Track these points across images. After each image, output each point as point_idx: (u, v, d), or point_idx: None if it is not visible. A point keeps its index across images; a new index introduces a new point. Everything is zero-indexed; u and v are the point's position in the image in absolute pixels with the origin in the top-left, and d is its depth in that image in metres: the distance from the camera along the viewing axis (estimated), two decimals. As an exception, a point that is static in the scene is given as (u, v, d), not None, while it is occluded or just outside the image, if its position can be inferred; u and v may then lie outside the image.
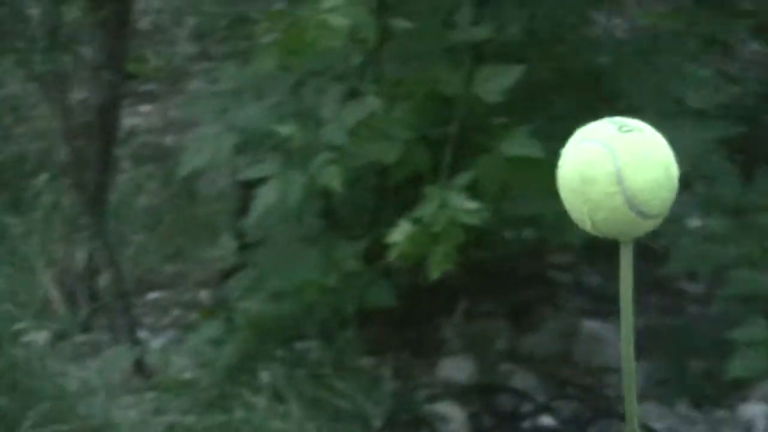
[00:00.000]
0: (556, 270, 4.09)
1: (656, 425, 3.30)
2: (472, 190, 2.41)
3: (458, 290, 3.77)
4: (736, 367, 2.39)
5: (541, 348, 3.69)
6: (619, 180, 0.72)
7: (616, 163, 0.72)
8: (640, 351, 2.80)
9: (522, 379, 3.50)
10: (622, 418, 2.60)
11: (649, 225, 0.75)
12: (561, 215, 2.17)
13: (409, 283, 3.41)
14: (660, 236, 3.23)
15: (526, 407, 3.33)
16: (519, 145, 2.38)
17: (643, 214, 0.74)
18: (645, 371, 3.52)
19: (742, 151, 3.35)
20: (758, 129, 3.42)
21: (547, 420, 3.28)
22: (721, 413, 3.34)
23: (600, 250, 4.06)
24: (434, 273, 2.48)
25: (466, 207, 2.34)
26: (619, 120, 0.75)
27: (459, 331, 3.71)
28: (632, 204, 0.73)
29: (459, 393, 3.35)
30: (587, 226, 0.75)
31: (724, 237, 2.50)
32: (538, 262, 4.05)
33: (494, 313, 3.83)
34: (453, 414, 3.29)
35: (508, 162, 2.40)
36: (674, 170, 0.74)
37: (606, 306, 3.87)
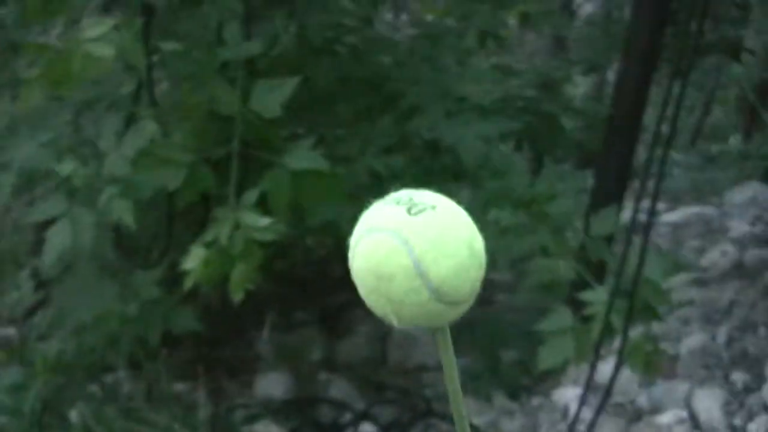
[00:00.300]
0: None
1: (476, 420, 3.32)
2: (263, 206, 2.36)
3: (267, 303, 3.73)
4: (546, 357, 2.41)
5: (356, 354, 3.68)
6: (420, 273, 0.64)
7: (412, 254, 0.63)
8: (454, 347, 2.77)
9: (339, 388, 3.47)
10: (441, 417, 2.60)
11: (462, 309, 0.66)
12: (357, 219, 2.13)
13: (216, 303, 3.35)
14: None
15: (346, 417, 3.30)
16: (302, 158, 2.35)
17: (452, 303, 0.65)
18: (460, 366, 3.54)
19: (528, 142, 3.40)
20: (540, 120, 3.49)
21: (367, 428, 3.26)
22: (537, 401, 3.39)
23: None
24: (236, 294, 2.42)
25: (259, 224, 2.29)
26: (406, 197, 0.66)
27: (272, 345, 3.67)
28: (439, 295, 0.64)
29: (277, 410, 3.30)
30: (394, 323, 0.66)
31: (518, 229, 2.52)
32: (346, 266, 4.03)
33: (307, 323, 3.80)
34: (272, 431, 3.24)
35: (294, 175, 2.36)
36: (478, 245, 0.66)
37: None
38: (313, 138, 2.44)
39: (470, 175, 2.68)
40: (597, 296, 2.35)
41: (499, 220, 2.49)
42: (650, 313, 2.41)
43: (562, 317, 2.39)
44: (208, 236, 2.41)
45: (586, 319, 2.35)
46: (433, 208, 0.65)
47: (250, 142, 2.42)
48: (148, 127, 2.46)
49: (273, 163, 2.41)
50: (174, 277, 2.82)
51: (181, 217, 2.97)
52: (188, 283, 2.44)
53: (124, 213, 2.48)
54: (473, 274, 0.64)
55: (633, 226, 2.51)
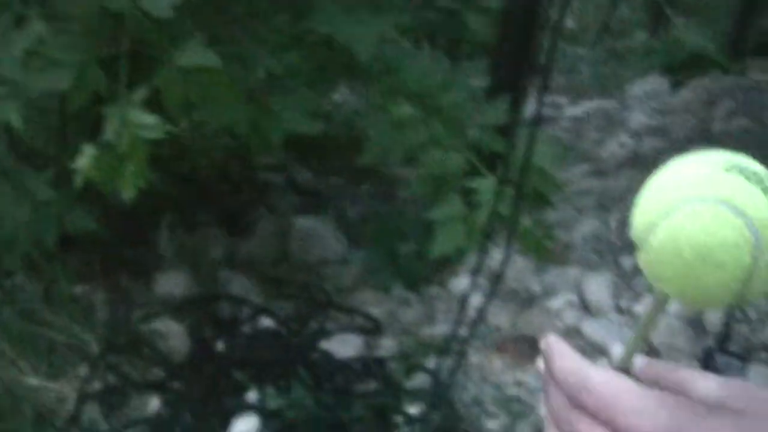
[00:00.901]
0: (266, 171, 4.10)
1: (374, 311, 3.39)
2: (155, 106, 2.35)
3: (167, 205, 3.72)
4: (438, 245, 2.47)
5: (257, 252, 3.71)
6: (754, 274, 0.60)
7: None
8: (355, 241, 2.84)
9: (240, 285, 3.51)
10: (340, 309, 2.64)
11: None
12: (255, 121, 2.15)
13: (114, 203, 3.35)
14: (353, 128, 3.28)
15: (245, 312, 3.34)
16: (193, 55, 2.34)
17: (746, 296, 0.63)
18: (360, 260, 3.60)
19: (428, 39, 3.42)
20: (442, 16, 3.50)
21: (266, 321, 3.31)
22: (434, 290, 3.47)
23: (308, 147, 4.10)
24: (127, 194, 2.42)
25: (146, 122, 2.28)
26: (747, 167, 0.61)
27: (172, 245, 3.68)
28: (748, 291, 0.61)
29: (175, 308, 3.33)
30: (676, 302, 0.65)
31: (411, 122, 2.55)
32: (247, 165, 4.04)
33: (207, 223, 3.81)
34: (171, 329, 3.26)
35: (186, 73, 2.35)
36: None
37: (316, 201, 3.91)
38: (205, 36, 2.43)
39: (364, 71, 2.69)
40: (485, 184, 2.40)
41: (393, 114, 2.52)
42: (540, 201, 2.48)
43: (452, 206, 2.44)
44: (104, 136, 2.40)
45: (476, 207, 2.40)
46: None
47: (141, 41, 2.40)
48: (36, 27, 2.42)
49: (164, 61, 2.40)
50: (69, 179, 2.81)
51: (75, 118, 2.94)
52: (78, 182, 2.43)
53: (12, 115, 2.45)
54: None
55: (534, 119, 2.55)
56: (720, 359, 1.99)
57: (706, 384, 0.68)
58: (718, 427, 0.64)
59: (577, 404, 0.69)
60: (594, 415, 0.68)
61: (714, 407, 0.66)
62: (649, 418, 0.64)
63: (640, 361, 0.75)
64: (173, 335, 3.28)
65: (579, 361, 0.72)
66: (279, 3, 2.78)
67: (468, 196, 2.49)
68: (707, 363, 2.00)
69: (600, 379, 0.68)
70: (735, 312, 2.91)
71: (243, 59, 2.60)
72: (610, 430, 0.67)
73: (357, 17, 2.72)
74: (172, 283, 3.49)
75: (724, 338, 2.08)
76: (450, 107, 2.58)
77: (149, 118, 2.28)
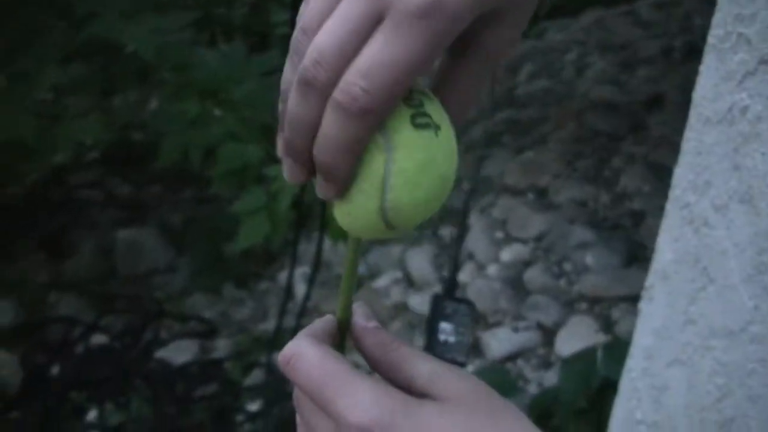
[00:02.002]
0: (84, 189, 4.03)
1: (207, 313, 3.37)
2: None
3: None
4: (242, 238, 2.47)
5: (84, 271, 3.65)
6: (384, 186, 0.60)
7: (388, 165, 0.59)
8: (180, 247, 2.79)
9: (69, 306, 3.45)
10: (174, 317, 2.60)
11: (397, 234, 0.64)
12: (43, 133, 2.09)
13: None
14: (149, 132, 3.24)
15: (77, 332, 3.28)
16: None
17: (394, 228, 0.63)
18: (187, 265, 3.58)
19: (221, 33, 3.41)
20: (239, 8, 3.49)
21: (99, 338, 3.26)
22: (264, 285, 3.46)
23: (124, 159, 4.05)
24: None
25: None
26: (420, 98, 0.61)
27: (-5, 276, 3.59)
28: (385, 215, 0.61)
29: (4, 338, 3.25)
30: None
31: (204, 118, 2.55)
32: (64, 186, 3.97)
33: (29, 249, 3.73)
34: (2, 360, 3.18)
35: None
36: (450, 183, 0.62)
37: (138, 213, 3.87)
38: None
39: (154, 74, 2.67)
40: (279, 171, 2.40)
41: (186, 113, 2.51)
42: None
43: (254, 197, 2.44)
44: None
45: (276, 195, 2.41)
46: (437, 129, 0.61)
47: None
48: None
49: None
50: None
51: None
52: None
53: None
54: (432, 209, 0.62)
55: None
56: (448, 305, 2.04)
57: (420, 367, 0.68)
58: (426, 418, 0.64)
59: (294, 380, 0.69)
60: (311, 398, 0.68)
61: (423, 396, 0.67)
62: (362, 410, 0.64)
63: (362, 321, 0.73)
64: (5, 365, 3.20)
65: (302, 337, 0.71)
66: (57, 16, 2.73)
67: (270, 185, 2.49)
68: (436, 310, 2.05)
69: (312, 360, 0.67)
70: (460, 260, 2.99)
71: (26, 76, 2.55)
72: (328, 415, 0.66)
73: (138, 20, 2.69)
74: (-2, 314, 3.41)
75: (450, 285, 2.14)
76: (243, 99, 2.58)
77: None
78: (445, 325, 2.07)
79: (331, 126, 0.59)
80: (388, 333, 0.72)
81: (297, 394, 0.70)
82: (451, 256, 2.80)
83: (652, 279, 1.50)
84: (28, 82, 2.56)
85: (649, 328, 1.61)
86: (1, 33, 2.60)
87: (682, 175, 1.30)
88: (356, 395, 0.64)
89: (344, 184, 0.62)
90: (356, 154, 0.60)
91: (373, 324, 0.73)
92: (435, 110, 0.61)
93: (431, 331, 2.03)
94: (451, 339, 2.05)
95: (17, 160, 3.24)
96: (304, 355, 0.67)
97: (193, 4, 2.87)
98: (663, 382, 1.52)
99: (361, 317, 0.74)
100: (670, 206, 1.36)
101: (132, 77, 2.75)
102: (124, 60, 2.83)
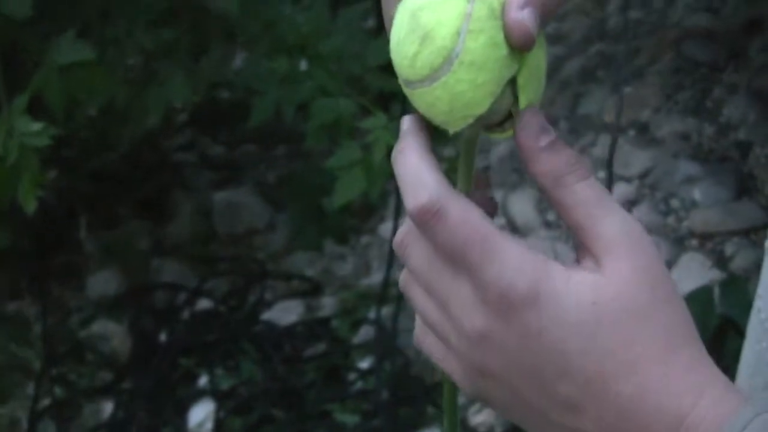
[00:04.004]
0: (178, 152, 4.04)
1: (310, 272, 3.36)
2: (37, 111, 2.29)
3: (83, 204, 3.67)
4: (339, 194, 2.44)
5: (184, 234, 3.66)
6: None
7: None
8: (278, 205, 2.80)
9: (171, 272, 3.46)
10: (275, 276, 2.62)
11: (420, 95, 0.60)
12: (133, 101, 2.09)
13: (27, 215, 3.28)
14: (237, 91, 3.22)
15: (181, 297, 3.30)
16: (68, 51, 2.28)
17: (404, 81, 0.61)
18: (286, 224, 3.56)
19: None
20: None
21: (204, 303, 3.27)
22: (365, 240, 3.44)
23: (215, 119, 4.04)
24: (29, 207, 2.35)
25: (32, 129, 2.22)
26: None
27: (98, 244, 3.62)
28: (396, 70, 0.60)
29: (111, 306, 3.28)
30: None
31: (295, 75, 2.53)
32: (156, 149, 3.98)
33: (128, 215, 3.75)
34: (111, 329, 3.22)
35: (62, 71, 2.29)
36: (426, 18, 0.58)
37: (233, 173, 3.87)
38: (75, 28, 2.36)
39: (244, 33, 2.65)
40: (376, 122, 2.37)
41: (276, 71, 2.49)
42: (442, 133, 2.44)
43: (349, 151, 2.41)
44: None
45: (371, 148, 2.37)
46: None
47: (11, 46, 2.34)
48: None
49: (40, 61, 2.33)
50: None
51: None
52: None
53: None
54: (410, 50, 0.58)
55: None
56: None
57: (604, 227, 0.60)
58: (573, 301, 0.58)
59: (429, 239, 0.61)
60: (451, 259, 0.61)
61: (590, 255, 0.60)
62: (512, 276, 0.58)
63: (533, 137, 0.61)
64: (114, 335, 3.24)
65: (429, 169, 0.62)
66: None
67: (364, 138, 2.46)
68: None
69: (458, 217, 0.60)
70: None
71: (116, 41, 2.53)
72: (474, 283, 0.60)
73: None
74: (104, 283, 3.43)
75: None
76: (331, 53, 2.55)
77: (35, 125, 2.21)
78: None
79: None
80: (570, 152, 0.62)
81: (411, 270, 0.64)
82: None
83: (781, 217, 1.43)
84: (119, 48, 2.55)
85: (778, 267, 1.54)
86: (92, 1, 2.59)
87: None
88: (506, 263, 0.59)
89: None
90: None
91: (545, 140, 0.61)
92: None
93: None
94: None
95: (111, 127, 3.25)
96: (449, 211, 0.60)
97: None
98: (796, 323, 1.46)
99: (529, 130, 0.61)
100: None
101: (219, 38, 2.73)
102: (210, 20, 2.80)
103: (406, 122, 0.64)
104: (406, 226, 0.63)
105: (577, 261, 0.61)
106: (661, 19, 3.89)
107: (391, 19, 0.61)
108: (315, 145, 2.76)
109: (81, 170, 3.72)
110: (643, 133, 3.20)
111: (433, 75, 0.58)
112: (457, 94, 0.58)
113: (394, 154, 0.63)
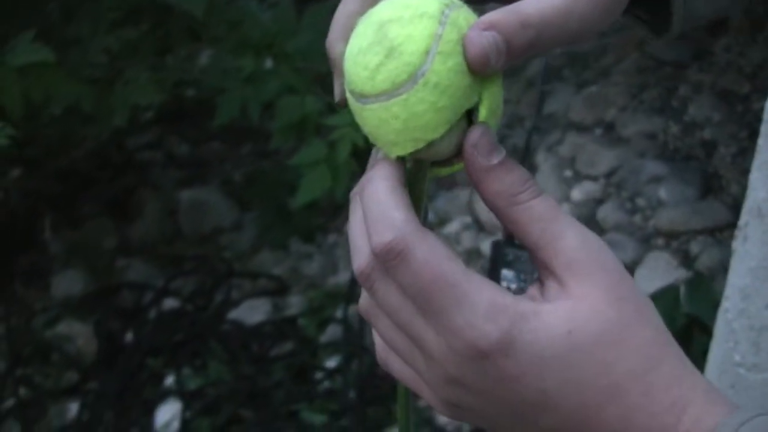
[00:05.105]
0: (143, 150, 4.02)
1: (277, 270, 3.35)
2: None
3: (48, 203, 3.64)
4: (303, 192, 2.43)
5: (149, 233, 3.64)
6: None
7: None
8: (244, 204, 2.77)
9: (138, 271, 3.45)
10: (242, 275, 2.60)
11: (372, 111, 0.58)
12: (99, 101, 2.07)
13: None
14: (203, 89, 3.21)
15: (148, 297, 3.28)
16: (25, 53, 2.26)
17: (355, 94, 0.59)
18: (253, 222, 3.55)
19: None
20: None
21: (170, 302, 3.25)
22: (332, 238, 3.43)
23: (180, 117, 4.02)
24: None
25: (-12, 130, 2.19)
26: None
27: (63, 243, 3.59)
28: (347, 83, 0.59)
29: (76, 306, 3.25)
30: None
31: (264, 74, 2.52)
32: (122, 148, 3.95)
33: (93, 214, 3.72)
34: (76, 330, 3.20)
35: (20, 72, 2.27)
36: (395, 32, 0.56)
37: (199, 171, 3.85)
38: (34, 29, 2.34)
39: (209, 31, 2.64)
40: (341, 119, 2.37)
41: (242, 69, 2.48)
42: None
43: (314, 149, 2.41)
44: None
45: (335, 145, 2.37)
46: None
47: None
48: None
49: (-4, 63, 2.31)
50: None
51: None
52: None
53: None
54: (372, 61, 0.56)
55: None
56: (510, 252, 1.97)
57: (562, 242, 0.58)
58: (545, 336, 0.57)
59: (393, 278, 0.58)
60: (417, 301, 0.58)
61: (550, 274, 0.58)
62: (483, 325, 0.56)
63: (483, 156, 0.59)
64: (79, 335, 3.22)
65: (396, 204, 0.59)
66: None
67: (329, 136, 2.45)
68: (496, 257, 1.98)
69: (424, 257, 0.57)
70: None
71: (79, 43, 2.51)
72: (443, 329, 0.57)
73: None
74: (69, 283, 3.41)
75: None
76: (297, 52, 2.54)
77: (-8, 126, 2.19)
78: (506, 272, 2.01)
79: None
80: (522, 169, 0.60)
81: (374, 302, 0.61)
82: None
83: (746, 217, 1.43)
84: (82, 49, 2.53)
85: (745, 268, 1.54)
86: (53, 0, 2.57)
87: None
88: (474, 310, 0.56)
89: None
90: None
91: (497, 158, 0.59)
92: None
93: (492, 279, 1.99)
94: (513, 286, 2.00)
95: (76, 127, 3.23)
96: (414, 253, 0.57)
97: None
98: (762, 323, 1.46)
99: (480, 148, 0.59)
100: (762, 142, 1.29)
101: (184, 37, 2.71)
102: (174, 20, 2.79)
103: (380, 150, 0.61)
104: (367, 257, 0.59)
105: (540, 281, 0.60)
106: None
107: (343, 27, 0.60)
108: (281, 143, 2.75)
109: (45, 169, 3.69)
110: (609, 132, 3.21)
111: (394, 91, 0.56)
112: (415, 113, 0.56)
113: (361, 181, 0.60)
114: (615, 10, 0.62)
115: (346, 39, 0.60)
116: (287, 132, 2.52)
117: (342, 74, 0.60)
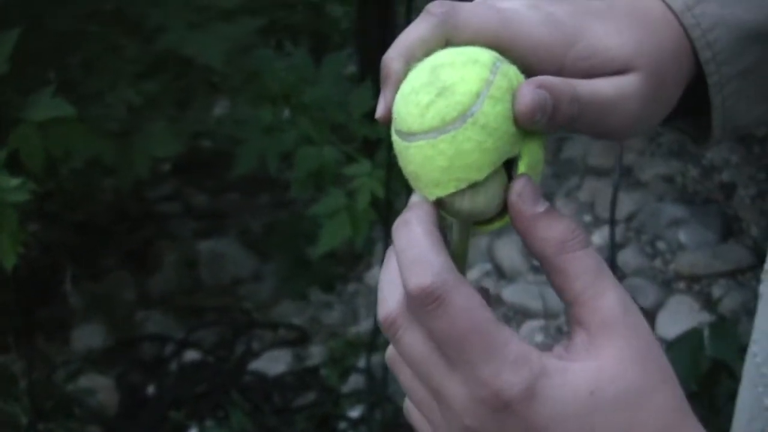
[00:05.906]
0: (162, 202, 4.03)
1: (297, 320, 3.35)
2: (15, 166, 2.27)
3: (68, 257, 3.65)
4: (323, 241, 2.44)
5: (169, 286, 3.65)
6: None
7: None
8: (264, 254, 2.77)
9: (158, 323, 3.44)
10: (262, 325, 2.61)
11: (416, 148, 0.59)
12: (120, 153, 2.08)
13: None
14: (219, 140, 3.23)
15: (169, 349, 3.28)
16: (46, 108, 2.27)
17: (402, 133, 0.60)
18: (272, 273, 3.55)
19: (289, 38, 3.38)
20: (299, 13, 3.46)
21: (191, 354, 3.25)
22: (352, 287, 3.43)
23: (198, 169, 4.04)
24: (9, 263, 2.32)
25: (10, 185, 2.20)
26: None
27: (82, 297, 3.60)
28: (395, 123, 0.61)
29: (98, 360, 3.25)
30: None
31: (281, 124, 2.54)
32: (140, 200, 3.97)
33: (113, 267, 3.73)
34: (98, 383, 3.19)
35: (41, 127, 2.28)
36: (447, 74, 0.59)
37: (217, 222, 3.86)
38: (55, 83, 2.35)
39: (227, 83, 2.66)
40: (360, 169, 2.38)
41: (260, 120, 2.50)
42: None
43: (333, 198, 2.42)
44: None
45: (355, 195, 2.38)
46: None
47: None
48: None
49: (18, 119, 2.32)
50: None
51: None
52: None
53: None
54: (424, 99, 0.58)
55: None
56: None
57: (599, 302, 0.58)
58: (569, 392, 0.57)
59: (424, 323, 0.58)
60: (446, 347, 0.57)
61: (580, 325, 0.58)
62: (509, 375, 0.56)
63: (529, 203, 0.60)
64: (101, 389, 3.21)
65: (434, 248, 0.58)
66: (129, 34, 2.72)
67: (348, 186, 2.46)
68: None
69: (461, 307, 0.56)
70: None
71: (99, 95, 2.53)
72: (469, 377, 0.57)
73: (206, 30, 2.67)
74: (89, 336, 3.41)
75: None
76: (315, 102, 2.56)
77: (13, 181, 2.19)
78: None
79: None
80: (570, 220, 0.60)
81: (400, 352, 0.60)
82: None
83: (772, 261, 1.43)
84: (102, 103, 2.55)
85: (772, 312, 1.54)
86: (74, 54, 2.59)
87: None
88: (503, 360, 0.56)
89: None
90: None
91: (542, 206, 0.60)
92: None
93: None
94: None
95: (96, 180, 3.24)
96: (453, 298, 0.56)
97: (258, 10, 2.84)
98: (791, 368, 1.45)
99: (525, 197, 0.60)
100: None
101: (203, 88, 2.73)
102: (194, 72, 2.81)
103: (417, 193, 0.62)
104: (395, 304, 0.59)
105: (569, 337, 0.60)
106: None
107: (405, 47, 0.61)
108: (299, 193, 2.76)
109: (65, 222, 3.71)
110: (628, 176, 3.21)
111: (443, 127, 0.57)
112: (462, 151, 0.57)
113: (397, 223, 0.60)
114: (654, 122, 0.68)
115: (404, 58, 0.61)
116: (305, 182, 2.53)
117: (391, 88, 0.61)
